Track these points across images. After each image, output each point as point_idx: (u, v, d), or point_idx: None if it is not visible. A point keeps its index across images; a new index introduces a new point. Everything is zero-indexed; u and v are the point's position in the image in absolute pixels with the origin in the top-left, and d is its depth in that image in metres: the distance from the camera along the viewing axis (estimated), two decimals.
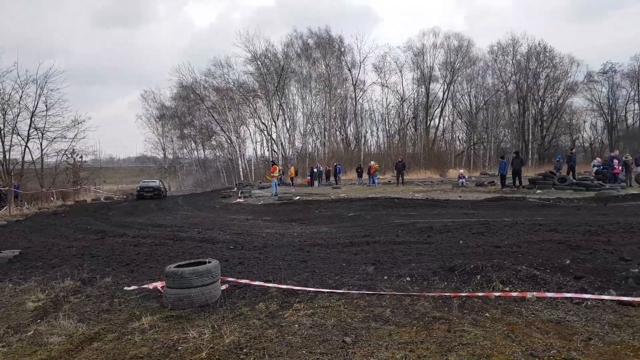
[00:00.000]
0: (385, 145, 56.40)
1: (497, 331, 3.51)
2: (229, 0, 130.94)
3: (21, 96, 27.35)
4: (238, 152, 50.61)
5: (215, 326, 3.90)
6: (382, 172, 39.00)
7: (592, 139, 56.25)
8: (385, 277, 5.27)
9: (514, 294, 4.37)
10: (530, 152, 50.05)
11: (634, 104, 52.83)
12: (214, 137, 54.15)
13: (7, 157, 26.67)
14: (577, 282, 4.63)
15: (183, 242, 8.63)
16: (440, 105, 55.62)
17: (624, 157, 21.29)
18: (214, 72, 50.52)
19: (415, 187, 24.80)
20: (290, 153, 51.99)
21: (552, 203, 13.84)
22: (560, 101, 53.44)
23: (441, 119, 56.48)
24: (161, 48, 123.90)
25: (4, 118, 26.36)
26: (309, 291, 4.83)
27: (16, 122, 27.35)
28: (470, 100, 55.57)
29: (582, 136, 56.23)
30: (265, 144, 54.86)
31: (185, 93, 52.43)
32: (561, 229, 8.04)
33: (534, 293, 4.33)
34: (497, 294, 4.40)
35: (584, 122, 55.99)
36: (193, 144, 57.53)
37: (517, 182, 20.78)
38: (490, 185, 23.25)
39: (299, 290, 4.89)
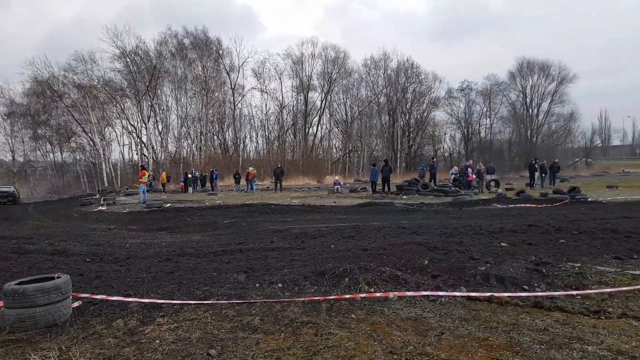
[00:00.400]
0: (265, 151, 56.51)
1: (361, 332, 3.61)
2: None
3: None
4: (102, 156, 46.57)
5: (63, 348, 3.47)
6: (260, 178, 38.98)
7: (451, 149, 62.52)
8: (257, 285, 5.18)
9: (378, 294, 4.56)
10: (398, 161, 53.93)
11: (486, 119, 59.93)
12: (73, 139, 49.07)
13: None
14: (433, 281, 5.00)
15: (30, 255, 7.63)
16: (318, 113, 57.46)
17: (477, 166, 23.98)
18: (75, 67, 45.89)
19: (293, 193, 25.18)
20: (163, 157, 49.47)
21: (416, 208, 14.97)
22: (425, 114, 58.69)
23: (319, 126, 58.33)
24: (11, 37, 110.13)
25: None
26: (174, 304, 4.55)
27: None
28: (346, 110, 58.24)
29: (443, 147, 62.22)
30: (134, 147, 51.45)
31: (41, 89, 46.89)
32: (422, 232, 8.68)
33: (396, 293, 4.56)
34: (363, 295, 4.56)
35: (445, 134, 62.18)
36: (49, 146, 51.61)
37: (386, 189, 22.19)
38: (362, 191, 24.48)
39: (163, 303, 4.58)
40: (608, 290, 4.64)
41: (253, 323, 3.91)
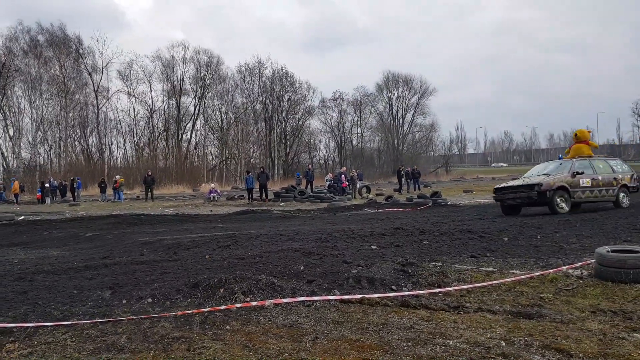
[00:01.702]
0: (134, 158, 53.29)
1: (236, 343, 3.59)
2: None
3: None
4: None
5: None
6: (129, 186, 36.63)
7: (326, 156, 64.95)
8: (124, 301, 4.87)
9: (254, 303, 4.58)
10: (276, 168, 54.46)
11: (357, 128, 63.31)
12: None
13: None
14: (309, 286, 5.14)
15: None
16: (192, 119, 55.81)
17: (350, 173, 25.24)
18: None
19: (166, 202, 24.13)
20: (15, 165, 44.13)
21: (293, 214, 15.30)
22: (301, 122, 60.20)
23: (193, 133, 56.68)
24: None
25: None
26: (28, 327, 4.10)
27: None
28: (221, 116, 57.44)
29: (319, 154, 64.41)
30: None
31: None
32: (298, 238, 8.89)
33: (272, 300, 4.61)
34: (238, 305, 4.54)
35: (320, 141, 64.44)
36: None
37: (264, 196, 22.30)
38: (240, 199, 24.34)
39: (14, 327, 4.10)
40: (466, 286, 5.11)
41: (119, 342, 3.68)
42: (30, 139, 46.45)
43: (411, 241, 8.23)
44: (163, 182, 40.38)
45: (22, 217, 17.65)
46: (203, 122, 56.73)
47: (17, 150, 45.13)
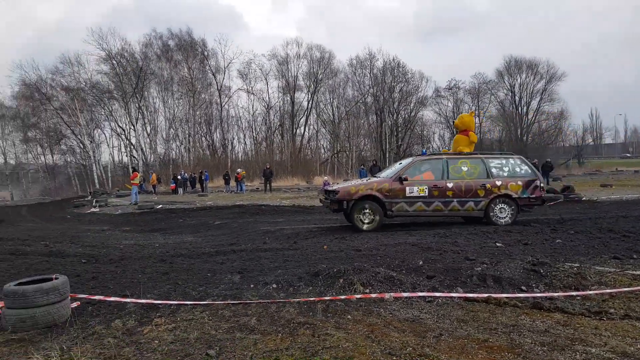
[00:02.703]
0: (253, 152, 56.39)
1: (359, 332, 3.69)
2: None
3: None
4: (92, 158, 46.35)
5: (65, 348, 3.52)
6: (249, 179, 38.90)
7: (441, 148, 62.65)
8: (252, 286, 5.23)
9: (374, 295, 4.64)
10: (387, 161, 54.01)
11: (475, 118, 59.96)
12: (63, 141, 48.84)
13: None
14: (429, 282, 5.07)
15: (27, 257, 7.62)
16: (305, 114, 57.38)
17: None
18: (62, 70, 45.66)
19: (283, 194, 25.20)
20: (152, 159, 49.19)
21: None
22: (413, 113, 58.78)
23: (306, 127, 58.27)
24: None
25: None
26: (171, 304, 4.60)
27: None
28: (333, 110, 58.21)
29: (432, 146, 62.32)
30: (123, 149, 51.18)
31: (29, 92, 46.58)
32: (414, 232, 8.78)
33: (392, 294, 4.64)
34: (358, 296, 4.63)
35: (434, 133, 62.30)
36: (39, 148, 51.26)
37: None
38: None
39: (159, 304, 4.62)
40: (608, 290, 4.67)
41: (250, 324, 3.97)
42: (164, 136, 51.42)
43: (541, 239, 7.70)
44: (279, 175, 42.23)
45: (160, 205, 19.66)
46: (315, 116, 58.13)
47: (153, 145, 50.25)
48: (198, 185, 33.05)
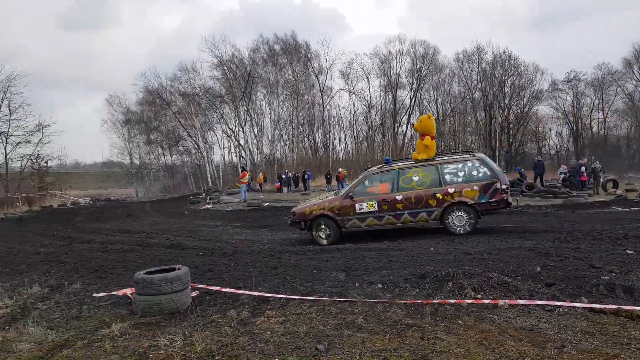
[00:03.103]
0: (354, 152, 56.72)
1: (471, 339, 3.53)
2: (193, 5, 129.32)
3: None
4: (206, 158, 49.89)
5: (187, 333, 3.81)
6: (350, 178, 39.16)
7: (558, 146, 57.84)
8: (357, 284, 5.25)
9: (486, 301, 4.41)
10: (497, 160, 51.08)
11: (598, 112, 54.61)
12: (181, 143, 53.23)
13: None
14: (548, 290, 4.68)
15: (152, 248, 8.42)
16: (408, 112, 56.34)
17: (592, 165, 21.72)
18: (179, 77, 49.82)
19: None
20: (259, 159, 51.64)
21: (521, 210, 14.18)
22: (526, 109, 54.88)
23: (409, 125, 57.16)
24: (126, 52, 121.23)
25: None
26: (280, 298, 4.77)
27: None
28: (437, 107, 56.40)
29: (548, 144, 57.70)
30: (233, 150, 54.33)
31: (151, 98, 51.36)
32: (530, 236, 8.20)
33: (506, 300, 4.37)
34: (469, 301, 4.43)
35: (550, 129, 57.40)
36: (160, 150, 56.30)
37: None
38: None
39: (270, 297, 4.81)
40: None
41: (357, 322, 3.98)
42: (269, 137, 53.85)
43: None
44: None
45: (267, 203, 20.57)
46: (418, 114, 56.85)
47: (260, 146, 52.82)
48: (301, 184, 34.02)
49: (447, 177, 9.10)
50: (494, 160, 49.09)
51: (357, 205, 9.31)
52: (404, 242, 8.23)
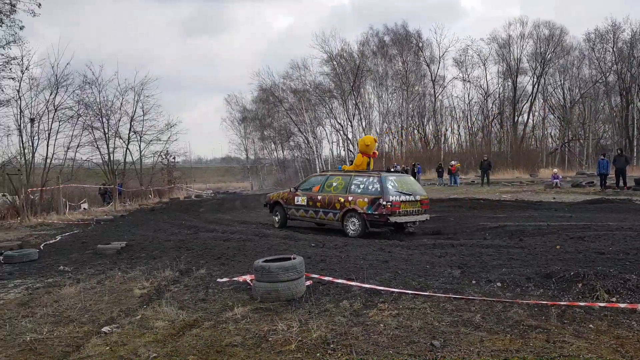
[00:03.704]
0: (468, 144, 54.30)
1: (604, 344, 3.21)
2: (304, 3, 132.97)
3: (122, 103, 29.54)
4: (315, 152, 51.30)
5: (302, 320, 3.95)
6: (464, 171, 37.66)
7: None
8: (474, 282, 5.02)
9: (622, 305, 3.97)
10: (635, 150, 45.33)
11: None
12: (292, 138, 55.34)
13: (112, 158, 28.92)
14: None
15: (268, 238, 8.86)
16: (530, 99, 52.01)
17: None
18: (291, 74, 51.74)
19: (503, 188, 23.66)
20: None
21: None
22: None
23: (530, 114, 52.94)
24: (242, 53, 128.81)
25: (108, 123, 28.63)
26: (393, 292, 4.73)
27: (118, 127, 29.57)
28: (563, 93, 51.38)
29: None
30: (341, 144, 55.11)
31: (265, 96, 54.01)
32: None
33: None
34: (601, 304, 4.02)
35: None
36: (273, 145, 59.18)
37: (621, 183, 19.08)
38: (588, 186, 21.56)
39: (382, 290, 4.80)
40: None
41: (474, 320, 3.82)
42: (377, 130, 53.64)
43: None
44: (497, 167, 39.73)
45: None
46: (542, 101, 52.41)
47: None
48: None
49: (353, 187, 10.49)
50: (632, 151, 43.72)
51: (296, 198, 11.46)
52: (525, 239, 7.72)
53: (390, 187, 9.96)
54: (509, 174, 38.52)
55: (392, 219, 9.71)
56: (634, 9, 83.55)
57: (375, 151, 12.17)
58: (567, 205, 13.66)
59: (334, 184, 10.85)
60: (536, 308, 4.05)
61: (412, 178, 12.07)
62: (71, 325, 4.15)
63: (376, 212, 9.75)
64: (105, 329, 4.01)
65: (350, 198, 10.24)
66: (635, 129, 46.71)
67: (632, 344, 3.21)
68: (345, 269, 5.88)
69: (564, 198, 16.19)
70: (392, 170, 33.41)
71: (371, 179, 10.30)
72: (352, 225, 10.15)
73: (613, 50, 47.61)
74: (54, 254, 8.28)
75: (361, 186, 10.34)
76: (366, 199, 9.95)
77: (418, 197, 10.22)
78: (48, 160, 22.37)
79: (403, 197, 9.86)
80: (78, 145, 25.71)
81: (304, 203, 11.18)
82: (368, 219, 9.90)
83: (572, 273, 4.73)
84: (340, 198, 10.42)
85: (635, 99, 47.11)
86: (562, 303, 4.11)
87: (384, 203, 9.65)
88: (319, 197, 10.86)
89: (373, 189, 10.06)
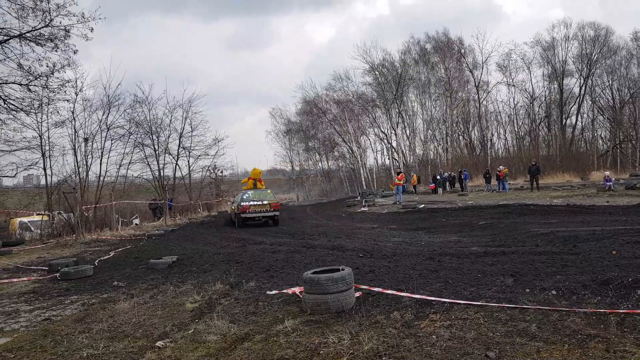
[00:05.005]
0: (515, 148, 52.79)
1: None
2: (345, 15, 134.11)
3: (170, 120, 30.71)
4: (359, 162, 51.31)
5: (353, 332, 3.97)
6: (512, 176, 36.59)
7: None
8: (527, 290, 4.93)
9: None
10: None
11: None
12: (336, 148, 55.64)
13: (162, 174, 30.02)
14: None
15: (315, 249, 8.96)
16: (577, 101, 50.30)
17: None
18: (334, 85, 52.17)
19: (553, 192, 22.85)
20: (411, 160, 51.25)
21: None
22: None
23: (579, 116, 51.06)
24: (285, 67, 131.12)
25: (158, 140, 29.77)
26: (444, 302, 4.70)
27: (167, 143, 30.71)
28: (612, 94, 49.39)
29: None
30: (385, 153, 54.85)
31: (309, 108, 54.66)
32: None
33: None
34: None
35: None
36: (317, 156, 59.71)
37: None
38: None
39: (433, 300, 4.78)
40: None
41: (529, 330, 3.75)
42: (422, 137, 53.18)
43: None
44: (547, 171, 38.36)
45: (422, 205, 20.32)
46: (590, 103, 50.49)
47: (412, 147, 52.44)
48: (457, 185, 32.84)
49: (237, 199, 17.76)
50: None
51: (245, 205, 16.49)
52: (579, 244, 7.47)
53: (245, 197, 16.75)
54: (559, 178, 37.12)
55: (243, 215, 16.20)
56: None
57: (261, 178, 19.49)
58: (622, 209, 13.05)
59: (236, 198, 18.05)
60: (594, 316, 3.94)
61: (267, 191, 17.70)
62: (126, 340, 4.28)
63: (238, 211, 16.56)
64: (159, 343, 4.12)
65: (234, 205, 17.72)
66: None
67: None
68: (395, 279, 5.89)
69: (618, 201, 15.48)
70: (437, 177, 33.00)
71: (240, 194, 17.57)
72: (236, 219, 16.90)
73: None
74: (108, 269, 8.61)
75: (238, 198, 17.39)
76: (235, 205, 17.44)
77: (266, 202, 16.34)
78: (101, 178, 23.53)
79: (252, 202, 16.22)
80: (130, 163, 26.91)
81: (238, 211, 16.76)
82: (236, 215, 16.75)
83: (630, 279, 4.59)
84: (234, 205, 17.73)
85: None
86: (621, 311, 3.99)
87: (240, 206, 16.45)
88: (234, 206, 17.61)
89: (239, 199, 17.16)
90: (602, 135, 52.76)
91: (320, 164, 60.90)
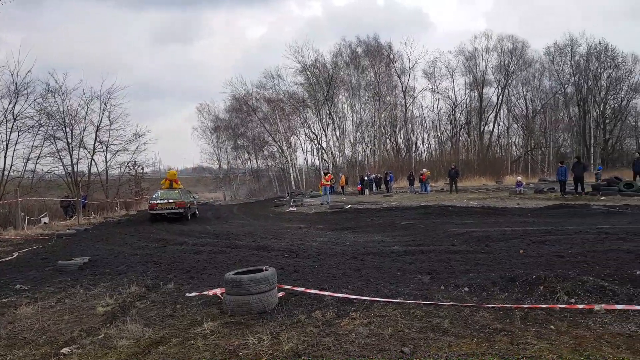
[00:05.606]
0: (437, 152, 55.45)
1: (564, 344, 3.37)
2: (278, 13, 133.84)
3: (87, 112, 28.96)
4: (289, 162, 51.30)
5: (274, 333, 3.96)
6: (434, 179, 38.30)
7: None
8: (442, 287, 5.17)
9: (581, 306, 4.18)
10: (592, 157, 47.41)
11: None
12: (266, 147, 55.22)
13: (75, 169, 28.20)
14: None
15: (240, 249, 8.83)
16: (495, 109, 53.96)
17: None
18: (265, 83, 51.80)
19: (470, 195, 24.19)
20: (340, 161, 52.12)
21: (619, 210, 13.11)
22: (624, 102, 50.58)
23: (496, 123, 54.82)
24: (215, 62, 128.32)
25: (72, 133, 27.87)
26: (365, 300, 4.81)
27: (82, 137, 28.88)
28: (526, 103, 53.53)
29: None
30: (315, 153, 55.36)
31: (238, 105, 53.77)
32: (630, 238, 7.60)
33: (602, 305, 4.12)
34: (562, 305, 4.22)
35: None
36: (246, 155, 58.80)
37: (579, 189, 19.83)
38: (549, 192, 22.31)
39: (354, 299, 4.88)
40: None
41: (442, 325, 3.93)
42: (351, 139, 54.26)
43: None
44: (465, 175, 40.62)
45: (349, 205, 20.71)
46: (506, 111, 54.24)
47: (342, 149, 53.37)
48: (383, 186, 33.83)
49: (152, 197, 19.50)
50: (589, 158, 45.52)
51: (153, 203, 18.09)
52: (491, 244, 7.95)
53: (154, 196, 18.60)
54: (476, 181, 39.48)
55: (151, 212, 17.90)
56: (589, 23, 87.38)
57: (177, 179, 20.81)
58: (530, 211, 14.11)
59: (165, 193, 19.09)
60: (501, 311, 4.20)
61: (175, 191, 18.97)
62: (27, 348, 3.97)
63: (148, 208, 18.61)
64: (65, 350, 3.85)
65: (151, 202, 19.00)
66: (592, 137, 48.91)
67: (589, 342, 3.38)
68: (319, 278, 5.95)
69: (527, 204, 16.70)
70: (365, 178, 33.81)
71: (154, 193, 19.54)
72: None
73: (571, 64, 50.06)
74: (10, 272, 7.87)
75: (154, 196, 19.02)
76: (149, 202, 18.95)
77: (172, 200, 17.62)
78: (5, 172, 21.71)
79: (159, 201, 17.70)
80: (39, 157, 25.12)
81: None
82: (149, 211, 18.42)
83: (534, 276, 4.94)
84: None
85: (591, 109, 49.37)
86: (525, 306, 4.29)
87: (150, 203, 18.40)
88: (157, 202, 18.17)
89: (151, 197, 19.13)
90: (516, 142, 56.98)
91: (249, 163, 60.14)
